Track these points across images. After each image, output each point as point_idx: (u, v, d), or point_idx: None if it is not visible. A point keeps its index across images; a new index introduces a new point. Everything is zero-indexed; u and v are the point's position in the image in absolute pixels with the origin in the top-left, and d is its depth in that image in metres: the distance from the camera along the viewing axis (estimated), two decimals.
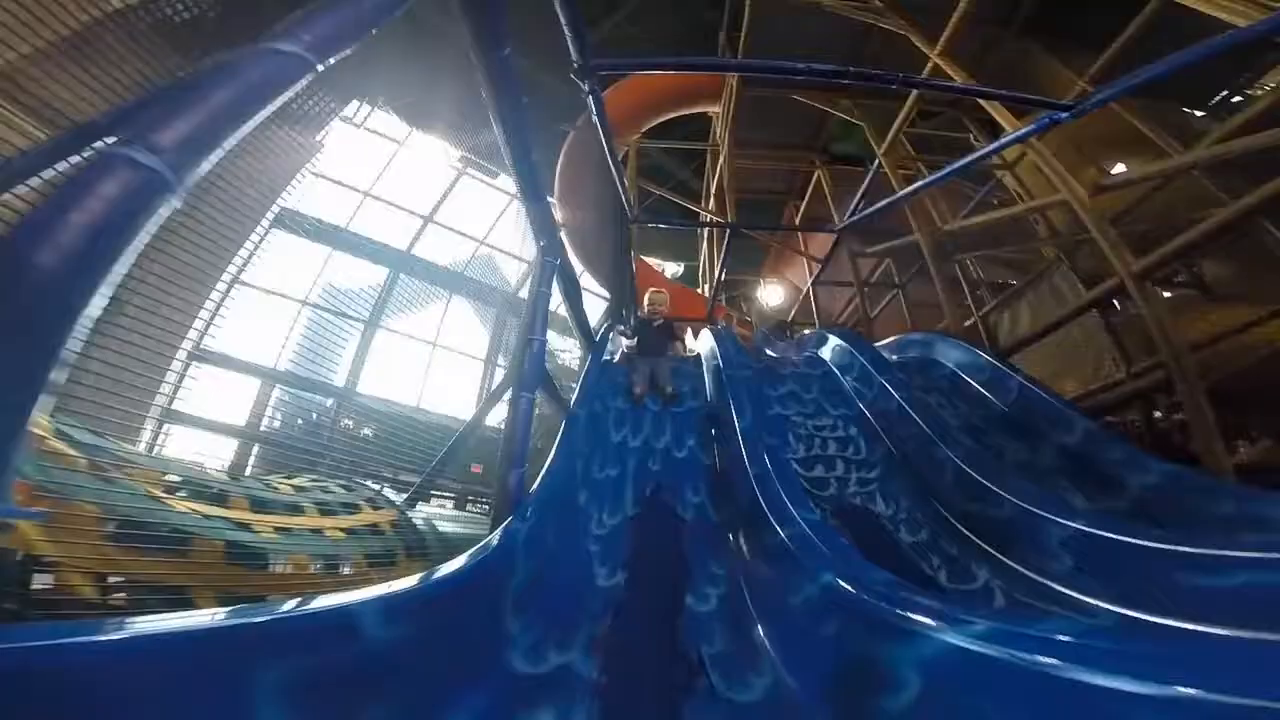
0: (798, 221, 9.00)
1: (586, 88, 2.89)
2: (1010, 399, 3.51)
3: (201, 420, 9.02)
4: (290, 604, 0.73)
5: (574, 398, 3.05)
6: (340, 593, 0.85)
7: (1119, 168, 6.69)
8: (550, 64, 4.47)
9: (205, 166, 0.83)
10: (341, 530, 2.40)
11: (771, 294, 12.17)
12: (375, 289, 14.41)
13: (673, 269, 16.70)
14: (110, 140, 0.78)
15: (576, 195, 8.07)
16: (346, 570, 2.27)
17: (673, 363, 4.26)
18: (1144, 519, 2.44)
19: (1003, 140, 3.58)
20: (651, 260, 14.91)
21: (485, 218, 15.01)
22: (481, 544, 1.40)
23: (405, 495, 3.28)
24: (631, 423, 3.36)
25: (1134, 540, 1.59)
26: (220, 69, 0.89)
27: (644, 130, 8.19)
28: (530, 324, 2.21)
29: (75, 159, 1.08)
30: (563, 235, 6.94)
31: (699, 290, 12.10)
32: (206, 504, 2.03)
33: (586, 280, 10.56)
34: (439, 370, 14.73)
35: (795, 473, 2.63)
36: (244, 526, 2.01)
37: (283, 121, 10.82)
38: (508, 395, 2.31)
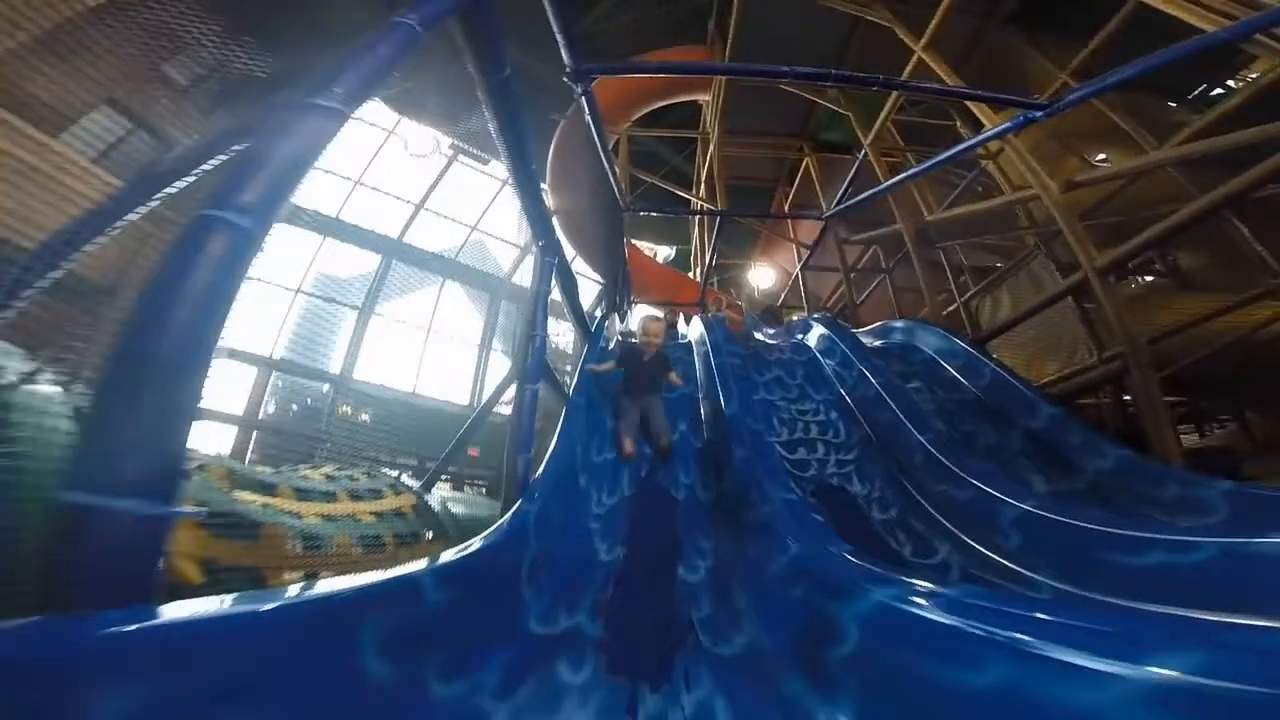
0: (787, 208, 9.15)
1: (579, 90, 3.04)
2: (983, 384, 3.72)
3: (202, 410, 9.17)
4: (374, 575, 0.91)
5: (572, 386, 3.24)
6: (388, 569, 1.04)
7: (1100, 157, 6.88)
8: (540, 53, 4.53)
9: (278, 217, 1.00)
10: (373, 514, 2.62)
11: (762, 277, 12.34)
12: (368, 276, 14.51)
13: (665, 252, 16.80)
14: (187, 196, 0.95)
15: (567, 183, 8.16)
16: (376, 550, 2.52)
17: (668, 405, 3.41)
18: (1097, 500, 2.67)
19: (980, 137, 3.76)
20: (644, 244, 15.01)
21: (477, 202, 15.07)
22: (497, 525, 1.60)
23: (421, 481, 3.49)
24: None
25: (1070, 520, 1.81)
26: (277, 130, 1.06)
27: (634, 119, 8.28)
28: (531, 321, 2.39)
29: (147, 205, 1.24)
30: (555, 221, 7.06)
31: (691, 274, 12.25)
32: (260, 495, 2.23)
33: (579, 264, 10.68)
34: (434, 355, 14.91)
35: (778, 456, 2.84)
36: (295, 514, 2.21)
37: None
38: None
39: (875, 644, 0.96)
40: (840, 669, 1.06)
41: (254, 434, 10.39)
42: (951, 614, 0.80)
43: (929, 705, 0.85)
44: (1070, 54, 5.75)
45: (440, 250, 15.22)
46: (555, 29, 2.64)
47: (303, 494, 2.49)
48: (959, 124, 7.20)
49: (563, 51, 2.78)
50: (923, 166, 4.19)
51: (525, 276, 16.47)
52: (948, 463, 2.40)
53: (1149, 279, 6.70)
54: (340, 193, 13.55)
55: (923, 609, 0.87)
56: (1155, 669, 0.59)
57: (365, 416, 11.44)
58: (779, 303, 10.53)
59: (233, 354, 10.52)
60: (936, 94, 5.06)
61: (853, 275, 8.24)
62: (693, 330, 4.90)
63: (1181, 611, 0.80)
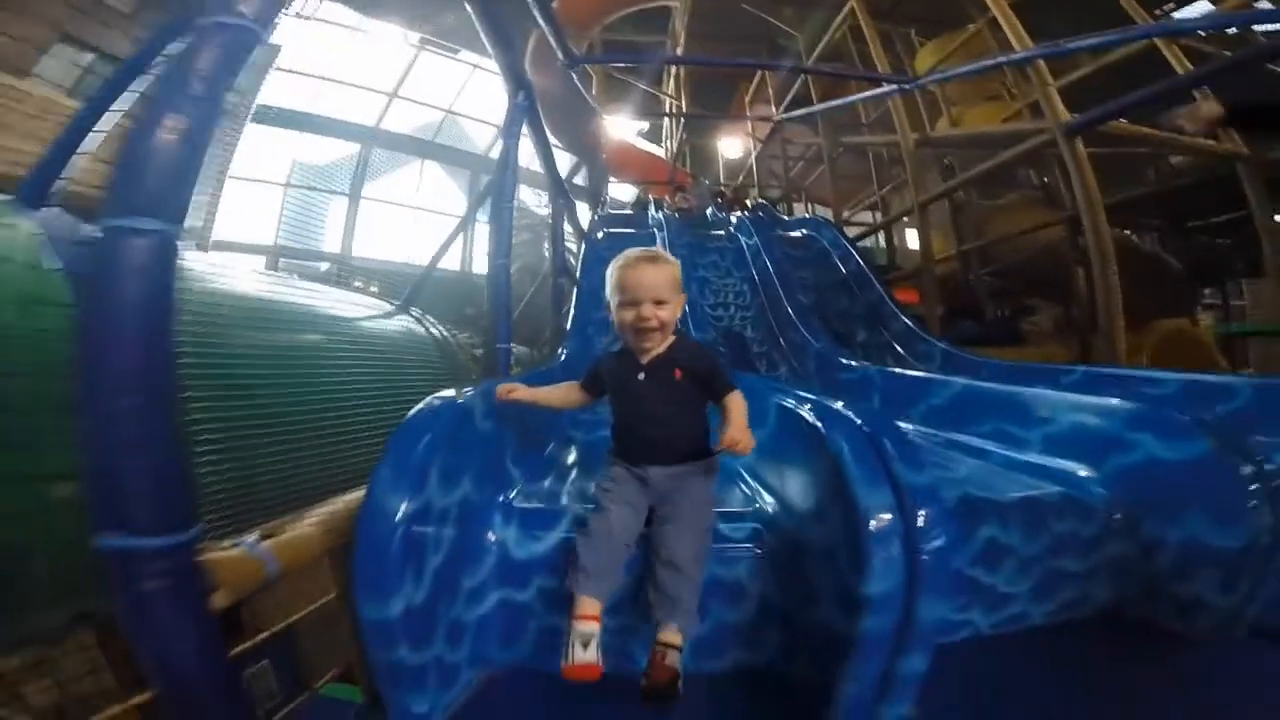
0: (748, 100, 10.22)
1: (575, 75, 4.40)
2: (851, 269, 5.47)
3: None
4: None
5: (578, 271, 4.94)
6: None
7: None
8: None
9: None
10: None
11: (729, 148, 13.48)
12: (343, 162, 15.29)
13: (639, 125, 17.45)
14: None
15: (544, 76, 9.04)
16: None
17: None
18: (889, 349, 4.52)
19: (861, 95, 5.20)
20: (617, 120, 15.66)
21: (449, 85, 15.43)
22: (557, 354, 3.39)
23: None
24: None
25: (828, 354, 3.66)
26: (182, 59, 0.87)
27: (607, 23, 9.02)
28: (554, 243, 4.04)
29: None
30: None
31: (663, 148, 13.31)
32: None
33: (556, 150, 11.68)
34: (423, 228, 16.07)
35: (705, 313, 4.65)
36: None
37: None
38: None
39: None
40: None
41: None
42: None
43: None
44: None
45: (415, 132, 15.80)
46: (546, 29, 3.56)
47: None
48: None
49: (555, 48, 3.94)
50: (829, 105, 5.61)
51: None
52: (795, 319, 4.24)
53: (1026, 192, 8.23)
54: (311, 89, 14.04)
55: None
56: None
57: (374, 288, 12.90)
58: (739, 179, 11.85)
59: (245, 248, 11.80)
60: (830, 75, 6.19)
61: (803, 160, 9.68)
62: (655, 219, 6.44)
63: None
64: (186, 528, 0.77)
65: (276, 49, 11.74)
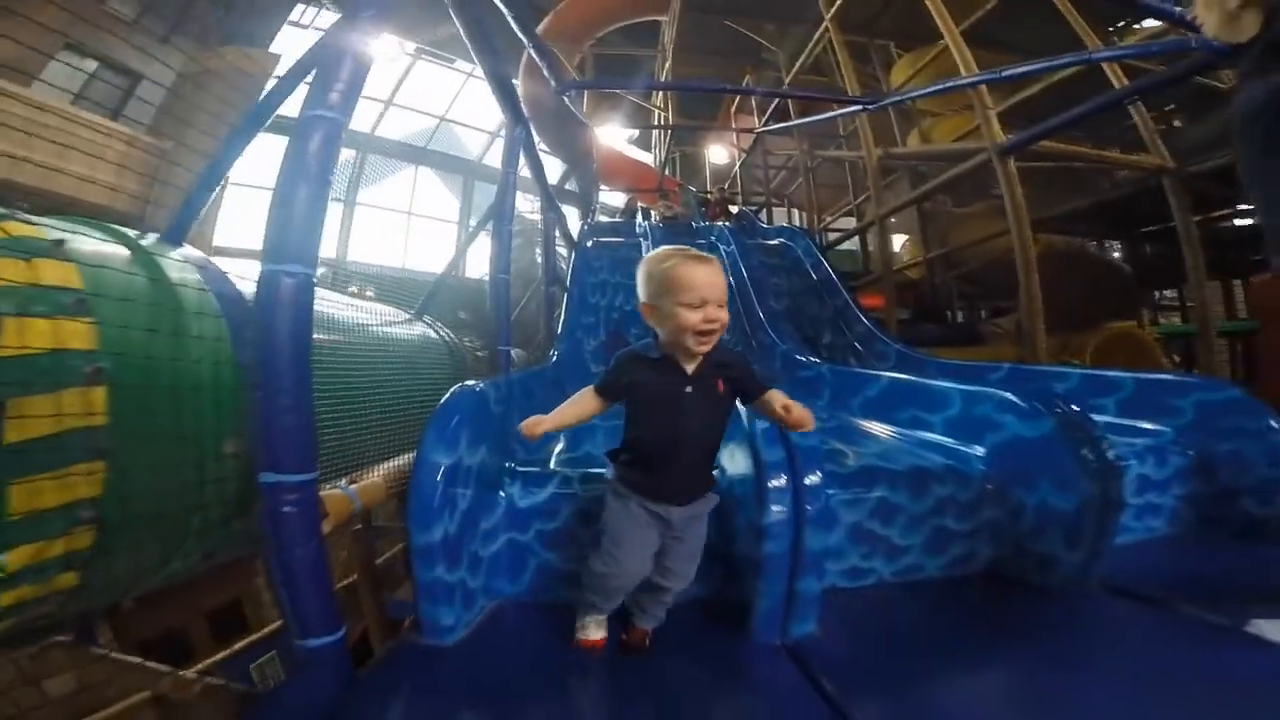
0: (733, 109, 10.67)
1: (566, 99, 4.81)
2: (821, 276, 5.90)
3: None
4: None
5: (568, 278, 5.36)
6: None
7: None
8: None
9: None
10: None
11: (717, 155, 13.95)
12: (344, 168, 15.58)
13: (628, 133, 17.87)
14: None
15: (537, 87, 9.42)
16: None
17: None
18: (852, 350, 4.96)
19: (828, 114, 5.64)
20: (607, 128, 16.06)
21: (444, 92, 15.76)
22: (550, 354, 3.81)
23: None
24: (599, 293, 5.68)
25: (790, 354, 4.10)
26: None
27: (599, 36, 9.42)
28: (546, 255, 4.46)
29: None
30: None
31: (653, 153, 13.71)
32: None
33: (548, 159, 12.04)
34: (418, 234, 16.39)
35: None
36: None
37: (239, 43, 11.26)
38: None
39: None
40: None
41: None
42: None
43: None
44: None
45: (409, 138, 16.10)
46: (538, 59, 3.88)
47: None
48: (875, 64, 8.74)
49: (547, 75, 4.30)
50: (803, 121, 6.04)
51: (496, 158, 17.49)
52: (764, 322, 4.68)
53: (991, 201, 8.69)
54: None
55: None
56: None
57: (370, 292, 13.25)
58: (724, 188, 12.30)
59: (246, 254, 12.01)
60: (802, 97, 6.65)
61: (785, 169, 10.11)
62: (640, 226, 6.88)
63: None
64: (311, 470, 1.19)
65: (276, 58, 12.05)
